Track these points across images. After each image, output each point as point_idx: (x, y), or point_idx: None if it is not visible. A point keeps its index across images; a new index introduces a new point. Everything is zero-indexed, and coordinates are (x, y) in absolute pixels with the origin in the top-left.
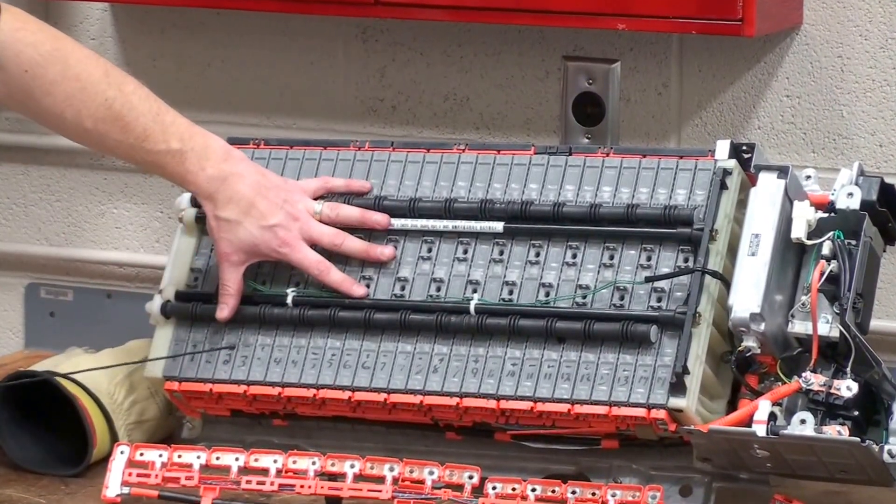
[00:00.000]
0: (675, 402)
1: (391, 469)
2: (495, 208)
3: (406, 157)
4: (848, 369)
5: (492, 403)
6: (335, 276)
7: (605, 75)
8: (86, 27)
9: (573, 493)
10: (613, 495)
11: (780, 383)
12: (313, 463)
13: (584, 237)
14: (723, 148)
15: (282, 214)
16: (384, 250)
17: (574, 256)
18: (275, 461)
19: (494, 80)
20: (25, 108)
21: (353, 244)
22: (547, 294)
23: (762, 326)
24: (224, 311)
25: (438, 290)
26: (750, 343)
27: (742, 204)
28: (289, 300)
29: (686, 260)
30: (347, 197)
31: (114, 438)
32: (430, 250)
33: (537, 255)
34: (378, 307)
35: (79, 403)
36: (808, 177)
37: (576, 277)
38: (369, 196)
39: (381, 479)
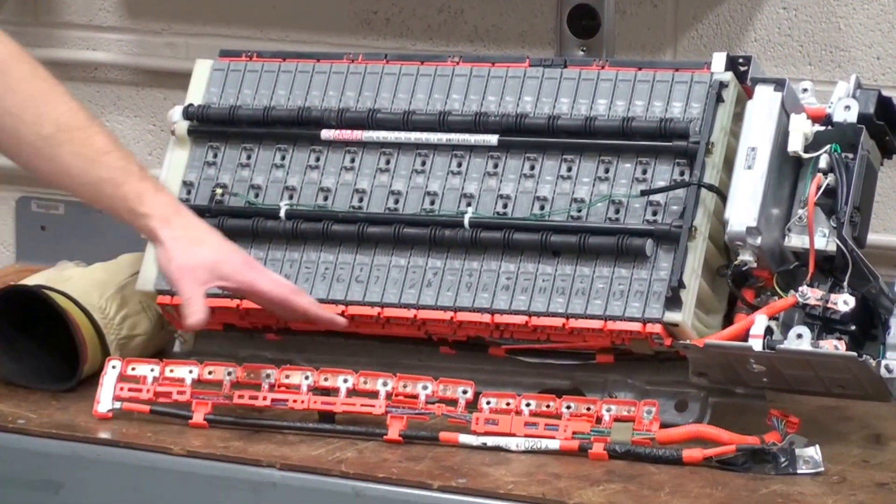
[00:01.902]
0: (671, 316)
1: (384, 384)
2: (490, 121)
3: (400, 70)
4: (845, 283)
5: (486, 318)
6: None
7: None
8: None
9: (568, 408)
10: (608, 410)
11: (776, 297)
12: (306, 378)
13: (579, 150)
14: (719, 60)
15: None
16: (336, 319)
17: (569, 170)
18: (267, 376)
19: None
20: None
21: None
22: (542, 207)
23: (759, 240)
24: (193, 319)
25: (432, 203)
26: (746, 257)
27: (738, 117)
28: (282, 213)
29: (682, 173)
30: (340, 112)
31: (105, 353)
32: (423, 163)
33: (532, 168)
34: (371, 220)
35: (70, 318)
36: (805, 90)
37: (571, 191)
38: (362, 109)
39: (374, 394)
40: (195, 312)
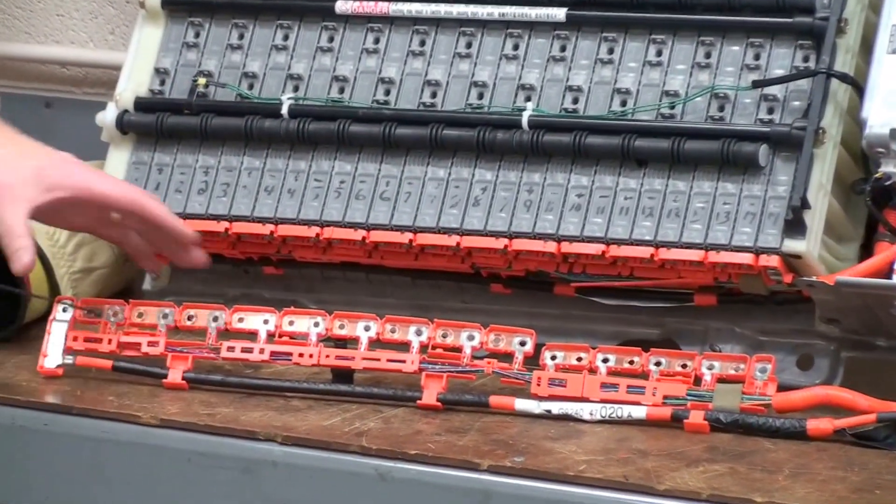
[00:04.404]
0: (792, 244)
1: (418, 333)
2: None
3: None
4: None
5: (550, 246)
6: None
7: None
8: None
9: (657, 364)
10: (710, 368)
11: None
12: (316, 324)
13: (671, 28)
14: None
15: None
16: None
17: (659, 54)
18: (265, 322)
19: None
20: None
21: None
22: (623, 103)
23: None
24: (25, 256)
25: (481, 97)
26: (890, 168)
27: None
28: (284, 109)
29: (806, 59)
30: None
31: (54, 292)
32: (469, 45)
33: (610, 51)
34: (401, 119)
35: None
36: None
37: (661, 81)
38: None
39: (405, 346)
40: (20, 248)
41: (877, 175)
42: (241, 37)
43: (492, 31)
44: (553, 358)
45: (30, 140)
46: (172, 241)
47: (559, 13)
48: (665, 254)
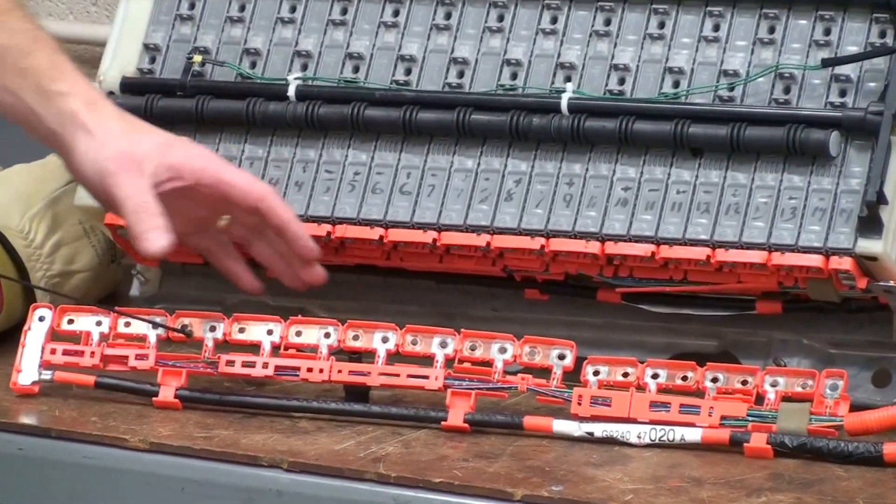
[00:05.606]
0: (867, 245)
1: (443, 345)
2: None
3: None
4: None
5: (593, 246)
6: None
7: None
8: None
9: (714, 380)
10: (774, 385)
11: None
12: (327, 335)
13: None
14: None
15: None
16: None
17: (716, 28)
18: (269, 332)
19: None
20: None
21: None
22: (676, 84)
23: None
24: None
25: (514, 77)
26: None
27: None
28: (291, 91)
29: (882, 34)
30: None
31: (29, 298)
32: (500, 18)
33: (661, 25)
34: (424, 102)
35: None
36: None
37: (718, 59)
38: None
39: (428, 360)
40: (153, 226)
41: None
42: (242, 8)
43: (527, 2)
44: (596, 373)
45: (145, 123)
46: (291, 252)
47: None
48: (723, 255)
